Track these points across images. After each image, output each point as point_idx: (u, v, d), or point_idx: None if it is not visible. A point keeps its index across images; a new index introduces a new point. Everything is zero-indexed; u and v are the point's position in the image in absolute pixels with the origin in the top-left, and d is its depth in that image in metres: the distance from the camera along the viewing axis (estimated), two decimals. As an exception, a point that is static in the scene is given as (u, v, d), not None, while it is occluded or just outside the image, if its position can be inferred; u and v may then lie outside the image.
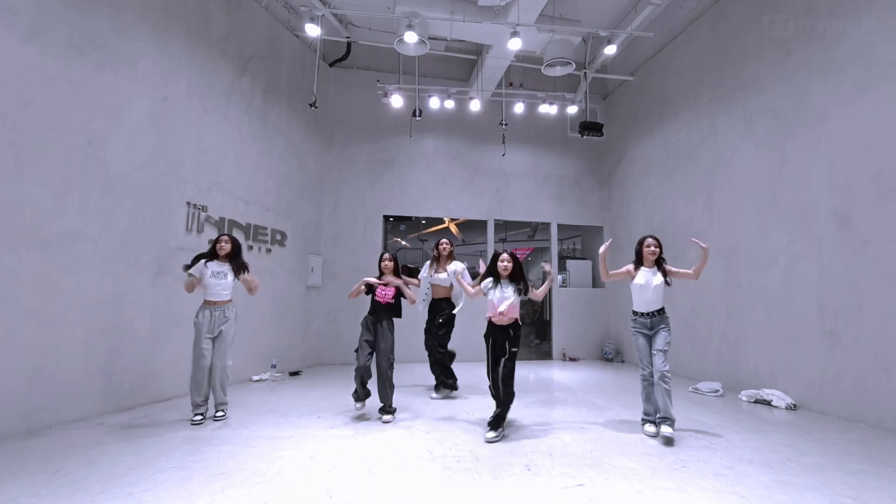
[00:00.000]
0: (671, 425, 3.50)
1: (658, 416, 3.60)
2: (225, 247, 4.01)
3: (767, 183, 5.28)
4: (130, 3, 4.42)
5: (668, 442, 3.44)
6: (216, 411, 4.00)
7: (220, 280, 3.96)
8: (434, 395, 5.08)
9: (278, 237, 6.52)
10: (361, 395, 4.07)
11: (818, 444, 3.51)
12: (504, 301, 3.63)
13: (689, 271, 3.80)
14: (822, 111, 4.67)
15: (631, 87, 8.25)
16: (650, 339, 3.74)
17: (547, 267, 3.89)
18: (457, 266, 5.05)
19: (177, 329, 4.67)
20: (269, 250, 6.32)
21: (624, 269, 3.96)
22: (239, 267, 4.03)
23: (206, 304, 3.96)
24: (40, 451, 3.11)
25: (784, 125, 5.10)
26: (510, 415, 4.19)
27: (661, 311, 3.74)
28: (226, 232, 4.20)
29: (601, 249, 3.96)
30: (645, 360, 3.75)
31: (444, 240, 5.22)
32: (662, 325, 3.71)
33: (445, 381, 5.08)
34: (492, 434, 3.51)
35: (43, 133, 3.68)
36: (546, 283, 3.86)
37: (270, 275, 6.35)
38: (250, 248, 5.97)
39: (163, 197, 4.73)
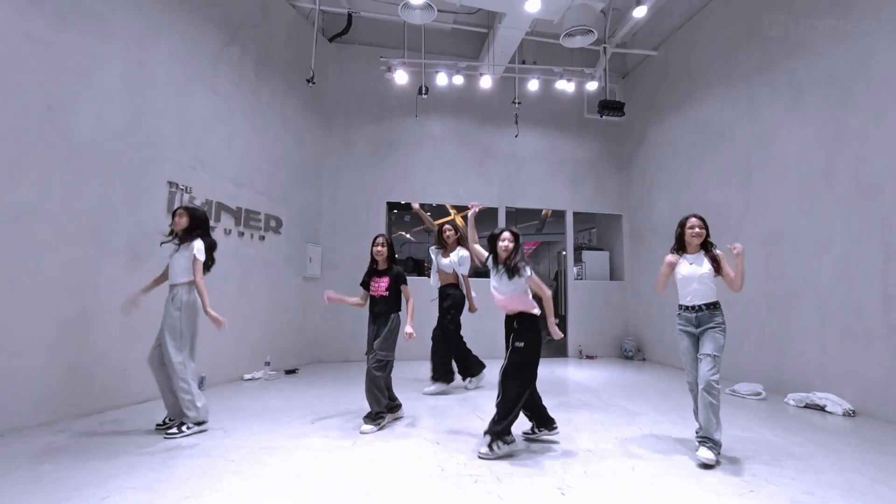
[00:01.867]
0: (713, 449, 2.83)
1: (699, 433, 2.94)
2: (181, 221, 3.34)
3: (819, 158, 4.68)
4: (99, -48, 3.88)
5: (706, 467, 2.77)
6: (168, 427, 3.28)
7: (171, 256, 3.36)
8: (428, 388, 4.72)
9: (273, 223, 5.99)
10: (389, 406, 3.66)
11: (902, 461, 2.95)
12: (500, 289, 3.06)
13: (732, 274, 3.10)
14: (891, 74, 4.06)
15: (653, 63, 7.63)
16: (697, 341, 3.09)
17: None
18: (462, 252, 4.83)
19: (156, 322, 4.15)
20: (262, 237, 5.80)
21: (666, 262, 3.23)
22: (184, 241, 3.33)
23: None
24: (-21, 465, 2.62)
25: (841, 93, 4.49)
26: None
27: (714, 305, 3.06)
28: (184, 205, 3.58)
29: (668, 259, 3.23)
30: (689, 366, 3.11)
31: (447, 226, 4.95)
32: (713, 324, 3.02)
33: (443, 374, 4.78)
34: (485, 450, 2.88)
35: (-9, 93, 3.16)
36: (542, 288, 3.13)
37: (264, 264, 5.84)
38: (241, 234, 5.45)
39: (139, 173, 4.20)
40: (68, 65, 3.65)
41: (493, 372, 5.91)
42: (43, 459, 2.73)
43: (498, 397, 2.98)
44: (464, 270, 4.86)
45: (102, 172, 3.87)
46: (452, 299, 4.86)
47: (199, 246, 3.30)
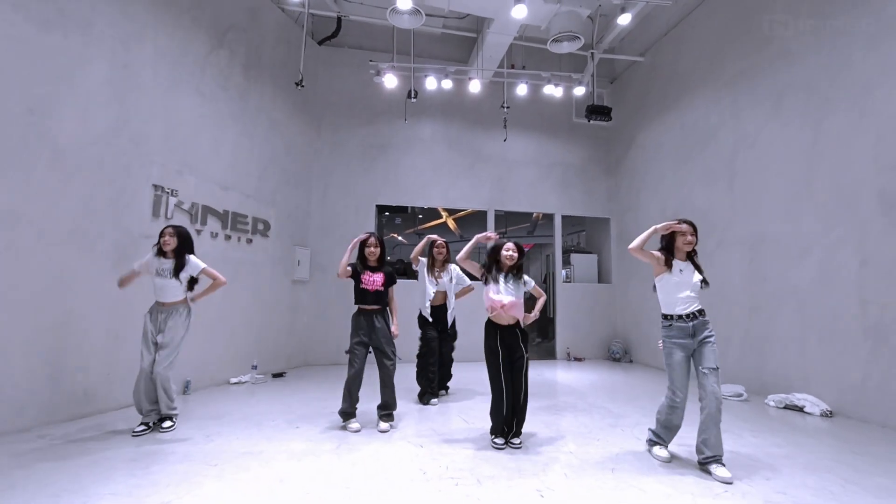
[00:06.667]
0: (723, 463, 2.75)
1: (709, 454, 2.75)
2: (170, 241, 3.45)
3: (799, 164, 4.78)
4: (83, -45, 3.86)
5: (727, 482, 2.62)
6: (161, 421, 3.47)
7: (165, 279, 3.45)
8: (434, 400, 4.53)
9: (260, 227, 5.98)
10: (353, 411, 3.62)
11: (875, 461, 3.02)
12: (506, 295, 3.22)
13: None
14: (867, 82, 4.16)
15: (641, 69, 7.73)
16: (690, 354, 2.91)
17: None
18: (455, 268, 4.72)
19: (140, 326, 4.13)
20: (249, 241, 5.78)
21: (655, 253, 3.11)
22: (179, 269, 3.45)
23: (156, 304, 3.51)
24: (-45, 472, 2.59)
25: (820, 100, 4.59)
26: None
27: (703, 311, 2.95)
28: (173, 224, 3.60)
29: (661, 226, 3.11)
30: (679, 382, 2.89)
31: (439, 241, 4.68)
32: (708, 333, 2.87)
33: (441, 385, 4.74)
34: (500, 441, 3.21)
35: (-29, 96, 3.14)
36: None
37: (251, 267, 5.82)
38: (228, 237, 5.43)
39: (124, 176, 4.18)
40: (51, 68, 3.63)
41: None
42: (21, 465, 2.70)
43: (523, 400, 3.23)
44: (456, 290, 4.69)
45: (86, 175, 3.85)
46: (454, 326, 4.73)
47: (195, 260, 3.56)
